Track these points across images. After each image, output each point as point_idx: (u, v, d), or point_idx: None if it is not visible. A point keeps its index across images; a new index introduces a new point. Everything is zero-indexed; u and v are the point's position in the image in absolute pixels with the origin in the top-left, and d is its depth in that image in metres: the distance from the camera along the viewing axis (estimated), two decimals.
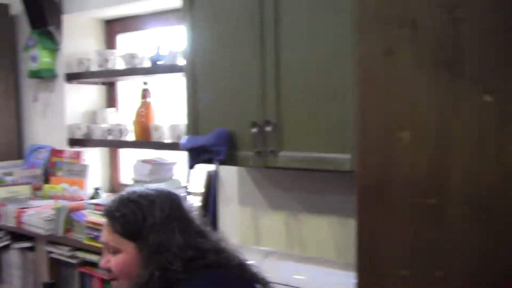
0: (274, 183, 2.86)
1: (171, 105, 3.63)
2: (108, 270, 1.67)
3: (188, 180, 2.76)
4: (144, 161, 3.32)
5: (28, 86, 4.24)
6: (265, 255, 2.58)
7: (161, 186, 1.76)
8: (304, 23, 2.25)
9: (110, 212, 1.66)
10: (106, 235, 1.68)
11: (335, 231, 2.63)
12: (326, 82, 2.20)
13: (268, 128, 2.35)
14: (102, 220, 1.74)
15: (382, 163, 1.57)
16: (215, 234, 1.73)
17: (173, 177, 3.37)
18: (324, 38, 2.19)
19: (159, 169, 3.31)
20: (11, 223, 3.56)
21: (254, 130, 2.39)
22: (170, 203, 1.65)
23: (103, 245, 1.71)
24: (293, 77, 2.30)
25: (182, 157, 3.23)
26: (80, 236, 3.19)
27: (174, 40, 3.47)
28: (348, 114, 2.09)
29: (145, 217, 1.60)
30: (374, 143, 1.59)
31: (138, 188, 1.71)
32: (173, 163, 3.40)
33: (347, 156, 2.10)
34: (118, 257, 1.64)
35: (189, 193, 2.82)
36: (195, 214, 1.72)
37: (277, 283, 2.16)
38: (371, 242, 1.61)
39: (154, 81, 3.56)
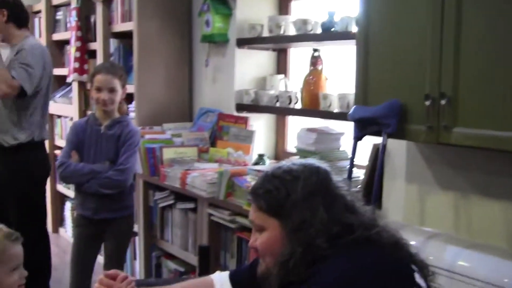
0: (445, 161, 2.65)
1: (341, 73, 3.50)
2: (255, 248, 1.62)
3: (353, 153, 2.62)
4: (310, 130, 3.21)
5: (200, 50, 4.29)
6: (429, 237, 2.41)
7: (310, 160, 1.64)
8: None
9: (255, 190, 1.62)
10: (252, 213, 1.63)
11: (509, 218, 2.39)
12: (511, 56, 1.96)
13: (443, 102, 2.16)
14: None
15: None
16: (367, 209, 1.60)
17: (339, 148, 3.24)
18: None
19: (324, 138, 3.19)
20: (176, 183, 3.62)
21: (427, 103, 2.21)
22: (316, 178, 1.56)
23: (251, 224, 1.67)
24: (474, 49, 2.08)
25: (350, 128, 3.10)
26: (241, 201, 3.16)
27: (347, 7, 3.33)
28: None
29: (288, 193, 1.53)
30: None
31: (284, 163, 1.64)
32: (340, 134, 3.27)
33: None
34: (263, 235, 1.58)
35: (353, 166, 2.69)
36: (346, 189, 1.60)
37: (439, 268, 2.00)
38: None
39: (325, 49, 3.43)
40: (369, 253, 1.46)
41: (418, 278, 1.42)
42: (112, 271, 1.87)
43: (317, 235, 1.46)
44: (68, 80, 5.33)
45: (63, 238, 5.95)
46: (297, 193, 1.52)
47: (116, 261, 3.43)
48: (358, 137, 2.57)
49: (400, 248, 1.52)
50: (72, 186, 4.25)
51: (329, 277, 1.38)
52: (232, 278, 1.93)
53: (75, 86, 5.30)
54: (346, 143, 3.27)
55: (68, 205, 5.79)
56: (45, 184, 3.95)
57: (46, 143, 4.03)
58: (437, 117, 2.19)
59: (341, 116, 3.11)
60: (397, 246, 1.51)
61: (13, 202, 3.81)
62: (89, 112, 3.94)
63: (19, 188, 3.78)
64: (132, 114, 4.27)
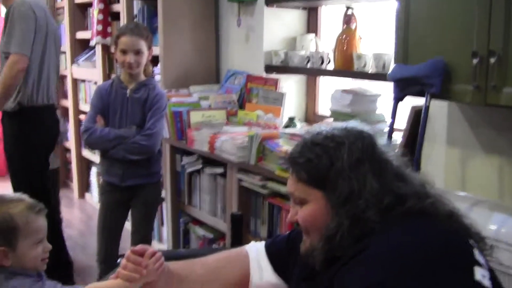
0: (490, 123, 2.53)
1: (376, 32, 3.34)
2: (296, 223, 1.48)
3: (393, 115, 2.49)
4: (345, 91, 3.07)
5: (227, 10, 4.16)
6: (472, 204, 2.26)
7: (352, 123, 1.49)
8: None
9: (293, 159, 1.46)
10: (291, 185, 1.48)
11: None
12: None
13: (492, 60, 2.02)
14: None
15: None
16: (417, 177, 1.45)
17: (376, 110, 3.09)
18: None
19: (361, 100, 3.04)
20: (204, 148, 3.50)
21: (475, 61, 2.06)
22: (361, 143, 1.41)
23: (290, 196, 1.51)
24: None
25: (386, 89, 2.96)
26: (272, 166, 3.04)
27: None
28: None
29: (332, 161, 1.39)
30: None
31: (324, 128, 1.47)
32: (377, 95, 3.11)
33: None
34: (305, 209, 1.43)
35: (392, 129, 2.55)
36: (393, 155, 1.45)
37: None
38: None
39: (359, 6, 3.28)
40: (424, 226, 1.32)
41: (478, 255, 1.28)
42: (139, 247, 1.74)
43: (367, 207, 1.33)
44: (91, 43, 5.23)
45: (89, 204, 5.91)
46: (343, 161, 1.37)
47: (143, 228, 3.36)
48: (398, 98, 2.44)
49: (455, 220, 1.38)
50: (97, 152, 4.16)
51: (382, 252, 1.25)
52: (269, 250, 1.81)
53: (98, 50, 5.19)
54: (382, 105, 3.13)
55: (94, 170, 5.74)
56: (48, 152, 3.75)
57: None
58: (485, 77, 2.06)
59: (376, 77, 3.00)
60: (452, 218, 1.37)
61: (12, 169, 3.73)
62: (113, 75, 3.82)
63: (20, 154, 3.65)
64: (157, 77, 4.16)
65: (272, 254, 1.79)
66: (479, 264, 1.25)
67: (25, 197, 1.83)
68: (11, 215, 1.73)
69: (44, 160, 3.73)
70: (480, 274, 1.22)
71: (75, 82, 5.85)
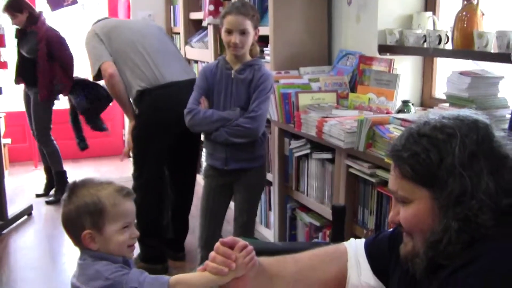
0: None
1: (499, 8, 3.06)
2: (399, 224, 1.31)
3: None
4: (463, 73, 2.83)
5: None
6: None
7: (465, 111, 1.29)
8: None
9: (397, 152, 1.30)
10: (393, 182, 1.32)
11: None
12: None
13: None
14: None
15: None
16: None
17: (497, 94, 2.83)
18: None
19: (480, 83, 2.79)
20: (312, 132, 3.36)
21: None
22: (476, 135, 1.23)
23: (392, 195, 1.35)
24: None
25: (510, 71, 2.69)
26: (382, 153, 2.85)
27: None
28: None
29: (441, 156, 1.22)
30: None
31: (432, 117, 1.30)
32: (499, 78, 2.85)
33: None
34: (409, 208, 1.27)
35: None
36: (511, 147, 1.25)
37: None
38: None
39: None
40: None
41: None
42: (229, 239, 1.62)
43: (480, 209, 1.15)
44: (204, 23, 5.23)
45: (200, 185, 5.92)
46: (454, 155, 1.20)
47: (246, 213, 3.28)
48: None
49: None
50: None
51: (500, 264, 1.06)
52: (368, 249, 1.65)
53: (210, 30, 5.16)
54: (505, 89, 2.86)
55: (205, 151, 5.73)
56: (160, 131, 3.81)
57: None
58: None
59: (500, 57, 2.72)
60: None
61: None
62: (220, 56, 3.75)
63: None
64: (267, 58, 4.06)
65: (372, 253, 1.63)
66: None
67: (113, 180, 1.78)
68: (99, 197, 1.70)
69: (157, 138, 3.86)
70: None
71: (189, 62, 5.87)
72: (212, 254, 1.58)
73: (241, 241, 1.60)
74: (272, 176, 4.04)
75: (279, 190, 4.01)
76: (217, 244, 1.60)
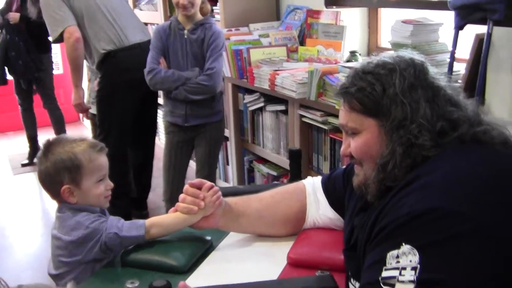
0: None
1: None
2: (350, 156, 1.45)
3: (454, 44, 2.41)
4: (405, 21, 2.98)
5: None
6: None
7: (402, 52, 1.44)
8: None
9: (345, 89, 1.42)
10: (343, 116, 1.44)
11: None
12: None
13: None
14: None
15: None
16: (470, 103, 1.40)
17: (438, 40, 2.99)
18: None
19: (422, 30, 2.94)
20: (265, 85, 3.49)
21: None
22: (413, 69, 1.37)
23: (342, 129, 1.49)
24: None
25: (449, 18, 2.85)
26: (333, 101, 3.01)
27: None
28: None
29: (384, 87, 1.35)
30: None
31: (374, 58, 1.43)
32: (439, 24, 3.01)
33: None
34: (359, 138, 1.40)
35: (454, 59, 2.47)
36: (446, 82, 1.40)
37: None
38: None
39: None
40: (478, 152, 1.29)
41: None
42: (197, 181, 1.78)
43: (420, 132, 1.30)
44: None
45: (156, 145, 6.00)
46: (395, 86, 1.34)
47: (208, 167, 3.41)
48: (459, 26, 2.37)
49: (510, 147, 1.34)
50: (161, 93, 4.22)
51: (436, 179, 1.21)
52: (325, 184, 1.81)
53: None
54: (445, 35, 3.02)
55: (160, 113, 5.79)
56: (126, 92, 3.86)
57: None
58: None
59: (439, 5, 2.88)
60: (506, 145, 1.33)
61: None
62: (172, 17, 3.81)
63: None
64: (217, 16, 4.14)
65: (328, 189, 1.79)
66: None
67: (86, 137, 1.89)
68: (75, 153, 1.79)
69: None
70: None
71: None
72: (182, 195, 1.75)
73: (208, 182, 1.76)
74: (228, 131, 4.16)
75: (235, 144, 4.14)
76: (186, 186, 1.76)
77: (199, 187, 1.76)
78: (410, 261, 1.10)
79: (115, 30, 3.77)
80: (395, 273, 1.11)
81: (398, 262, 1.12)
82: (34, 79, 5.58)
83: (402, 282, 1.09)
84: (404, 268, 1.10)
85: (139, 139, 4.20)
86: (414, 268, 1.09)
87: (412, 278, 1.08)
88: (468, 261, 1.08)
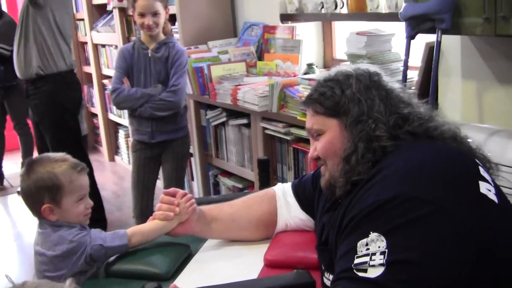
0: (503, 55, 2.54)
1: None
2: (317, 158, 1.59)
3: (407, 53, 2.55)
4: (359, 33, 3.12)
5: None
6: (490, 134, 2.32)
7: (359, 64, 1.63)
8: None
9: (309, 97, 1.58)
10: (309, 120, 1.60)
11: None
12: None
13: None
14: None
15: None
16: (422, 104, 1.55)
17: (391, 50, 3.15)
18: None
19: (375, 41, 3.09)
20: (227, 100, 3.60)
21: None
22: (369, 75, 1.54)
23: (308, 135, 1.63)
24: None
25: (400, 28, 3.00)
26: (294, 112, 3.13)
27: None
28: None
29: (342, 89, 1.51)
30: None
31: (334, 69, 1.61)
32: (391, 35, 3.17)
33: None
34: (323, 138, 1.55)
35: (407, 67, 2.62)
36: (399, 86, 1.56)
37: (501, 165, 1.91)
38: None
39: None
40: (432, 145, 1.43)
41: (483, 172, 1.38)
42: (171, 189, 1.91)
43: (376, 125, 1.44)
44: (108, 7, 5.31)
45: (120, 166, 6.06)
46: (352, 87, 1.50)
47: (175, 182, 3.48)
48: (411, 36, 2.50)
49: (460, 142, 1.48)
50: (124, 114, 4.29)
51: (394, 172, 1.34)
52: (295, 188, 1.92)
53: (116, 13, 5.24)
54: (397, 45, 3.18)
55: (121, 133, 5.87)
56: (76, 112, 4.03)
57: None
58: (494, 8, 2.09)
59: (390, 17, 2.99)
60: (456, 139, 1.48)
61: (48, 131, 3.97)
62: (133, 38, 3.90)
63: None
64: (176, 35, 4.23)
65: (299, 192, 1.91)
66: (484, 179, 1.34)
67: (68, 157, 1.94)
68: (56, 174, 1.84)
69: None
70: (485, 188, 1.31)
71: (96, 47, 5.95)
72: (158, 204, 1.89)
73: (181, 190, 1.89)
74: (192, 147, 4.23)
75: (200, 159, 4.23)
76: (161, 195, 1.88)
77: (173, 195, 1.88)
78: (379, 247, 1.21)
79: (70, 51, 4.01)
80: (366, 259, 1.21)
81: (368, 249, 1.22)
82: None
83: (373, 266, 1.20)
84: (374, 254, 1.21)
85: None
86: (383, 253, 1.20)
87: (382, 261, 1.19)
88: (431, 239, 1.19)
